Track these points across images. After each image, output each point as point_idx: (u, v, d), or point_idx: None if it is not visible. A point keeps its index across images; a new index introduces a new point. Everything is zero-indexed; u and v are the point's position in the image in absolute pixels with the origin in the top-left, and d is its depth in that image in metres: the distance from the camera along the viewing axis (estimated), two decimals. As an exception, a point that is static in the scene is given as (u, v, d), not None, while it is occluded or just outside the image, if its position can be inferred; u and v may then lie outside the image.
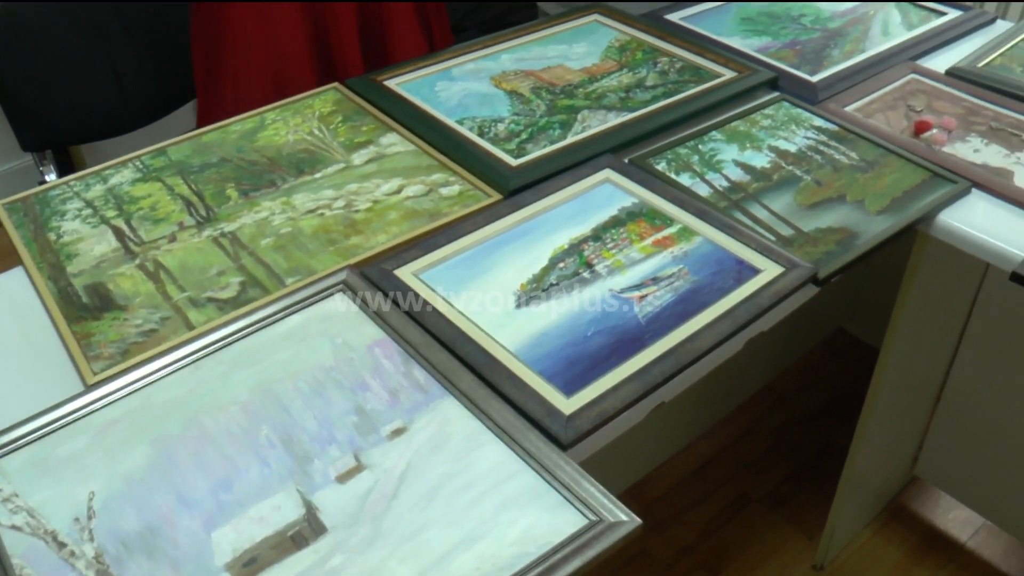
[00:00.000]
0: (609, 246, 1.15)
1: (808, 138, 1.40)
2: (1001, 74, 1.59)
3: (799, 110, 1.46)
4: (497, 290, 1.08)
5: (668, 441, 2.18)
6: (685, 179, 1.29)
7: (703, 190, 1.27)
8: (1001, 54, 1.65)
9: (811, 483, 2.13)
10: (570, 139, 1.35)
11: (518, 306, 1.06)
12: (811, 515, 2.05)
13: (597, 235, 1.17)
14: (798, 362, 2.47)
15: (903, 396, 1.76)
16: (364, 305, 1.07)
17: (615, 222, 1.19)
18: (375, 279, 1.09)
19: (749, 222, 1.21)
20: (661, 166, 1.31)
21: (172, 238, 1.18)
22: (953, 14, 1.80)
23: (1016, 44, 1.69)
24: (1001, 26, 1.80)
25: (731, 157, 1.34)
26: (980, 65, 1.61)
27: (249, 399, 0.96)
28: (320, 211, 1.22)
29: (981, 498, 1.91)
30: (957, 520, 2.05)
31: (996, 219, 1.28)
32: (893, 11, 1.82)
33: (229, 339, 1.03)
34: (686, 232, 1.18)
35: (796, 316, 1.80)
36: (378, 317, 1.05)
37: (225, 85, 1.80)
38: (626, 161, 1.32)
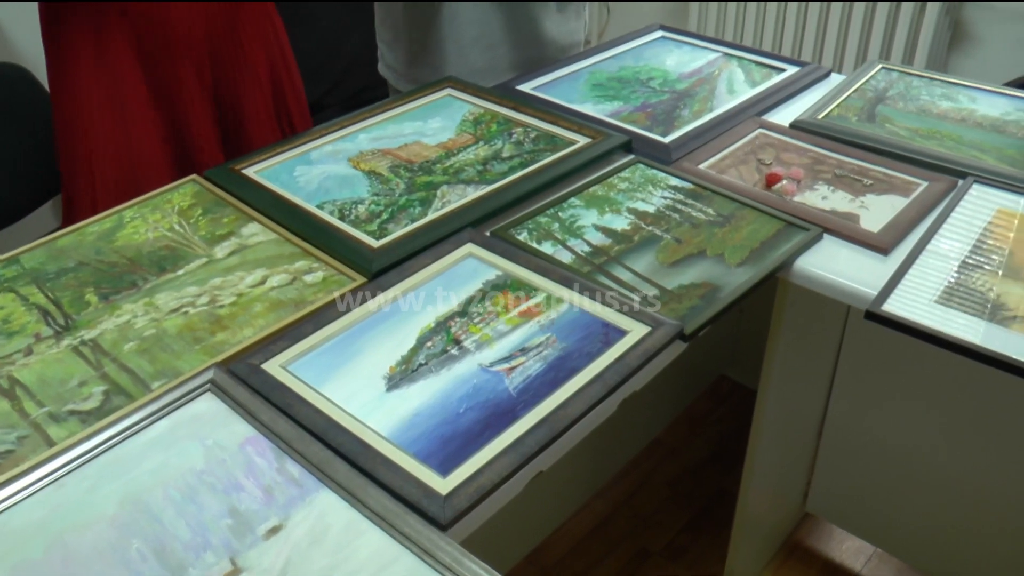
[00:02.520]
0: (476, 321, 1.17)
1: (665, 198, 1.46)
2: (840, 124, 1.69)
3: (654, 171, 1.52)
4: (367, 375, 1.09)
5: (562, 504, 2.20)
6: (547, 247, 1.33)
7: (566, 257, 1.31)
8: (838, 105, 1.76)
9: (708, 531, 2.17)
10: (431, 216, 1.38)
11: (389, 389, 1.07)
12: (710, 562, 2.09)
13: (463, 310, 1.19)
14: (684, 412, 2.53)
15: (785, 436, 1.83)
16: (233, 403, 1.06)
17: (480, 296, 1.22)
18: (243, 375, 1.09)
19: (613, 285, 1.25)
20: (523, 236, 1.35)
21: (28, 351, 1.16)
22: (792, 70, 1.91)
23: (850, 96, 1.80)
24: (835, 79, 1.92)
25: (591, 222, 1.39)
26: (820, 117, 1.71)
27: (118, 513, 0.94)
28: (184, 309, 1.21)
29: (870, 527, 1.98)
30: (850, 550, 2.12)
31: (848, 261, 1.35)
32: (736, 70, 1.92)
33: (94, 452, 1.00)
34: (551, 300, 1.21)
35: (678, 368, 1.85)
36: (248, 414, 1.04)
37: (82, 186, 1.78)
38: (488, 234, 1.36)
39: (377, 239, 1.33)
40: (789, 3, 3.23)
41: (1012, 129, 1.69)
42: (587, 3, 2.15)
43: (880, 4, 3.02)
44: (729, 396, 2.56)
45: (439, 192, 1.45)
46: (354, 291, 1.23)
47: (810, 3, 3.18)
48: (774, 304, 1.54)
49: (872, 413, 1.84)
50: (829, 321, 1.78)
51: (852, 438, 1.90)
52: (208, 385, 1.08)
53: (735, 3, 3.37)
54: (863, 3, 3.06)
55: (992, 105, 1.79)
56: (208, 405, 1.06)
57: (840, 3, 3.11)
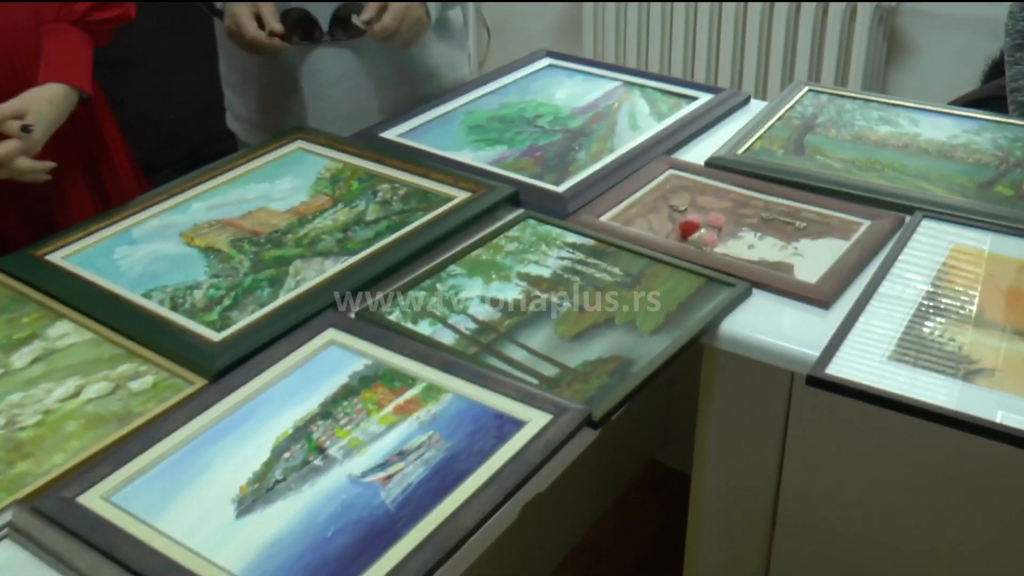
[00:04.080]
0: (342, 422, 1.17)
1: (562, 258, 1.48)
2: (763, 159, 1.74)
3: (548, 227, 1.55)
4: (212, 499, 1.08)
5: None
6: (424, 327, 1.33)
7: (447, 337, 1.31)
8: (760, 136, 1.82)
9: (650, 654, 2.17)
10: (283, 298, 1.38)
11: (240, 515, 1.06)
12: None
13: (327, 411, 1.19)
14: (611, 507, 2.54)
15: (731, 526, 1.84)
16: (40, 550, 1.03)
17: (347, 392, 1.21)
18: (52, 513, 1.06)
19: (505, 367, 1.26)
20: (394, 316, 1.35)
21: None
22: (705, 98, 1.98)
23: (774, 125, 1.87)
24: (757, 106, 1.99)
25: (476, 293, 1.40)
26: (740, 151, 1.76)
27: None
28: (-27, 435, 1.18)
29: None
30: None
31: (783, 319, 1.39)
32: (639, 101, 1.98)
33: None
34: (432, 391, 1.21)
35: (596, 457, 1.85)
36: (61, 562, 1.02)
37: None
38: (352, 316, 1.35)
39: (218, 331, 1.32)
40: (700, 18, 3.33)
41: (961, 154, 1.77)
42: (469, 29, 2.18)
43: (805, 16, 3.14)
44: (663, 484, 2.58)
45: (292, 268, 1.45)
46: (193, 396, 1.22)
47: (724, 13, 3.29)
48: (701, 375, 1.56)
49: (834, 490, 1.87)
50: (771, 388, 1.81)
51: (812, 520, 1.92)
52: (6, 530, 1.05)
53: (637, 25, 3.46)
54: (785, 13, 3.17)
55: (937, 127, 1.87)
56: (6, 555, 1.03)
57: (760, 16, 3.22)
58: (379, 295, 1.40)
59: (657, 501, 2.55)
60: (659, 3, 3.38)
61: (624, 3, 3.46)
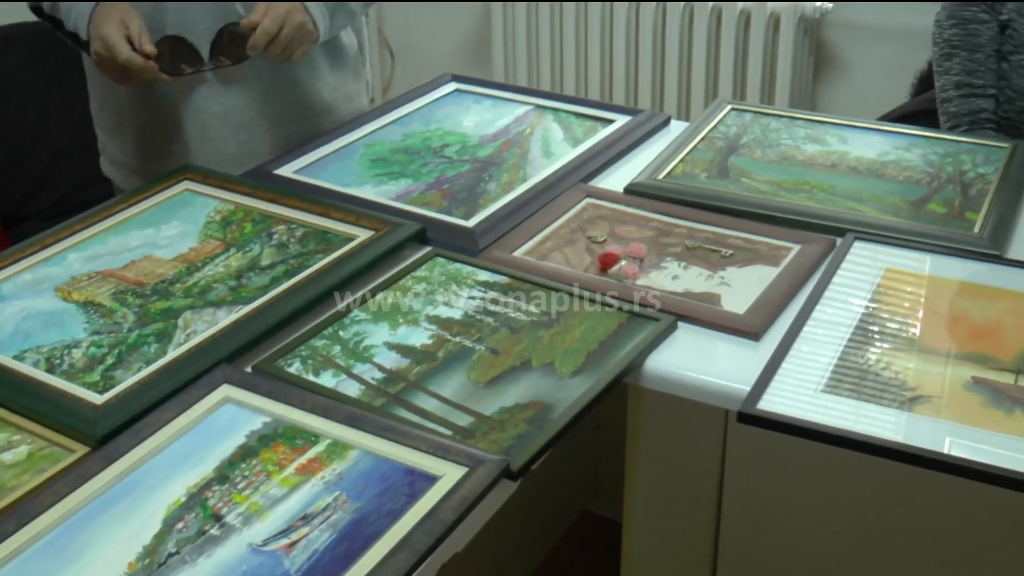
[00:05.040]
0: (241, 486, 1.16)
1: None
2: (685, 183, 1.77)
3: (458, 265, 1.56)
4: (97, 578, 1.06)
5: None
6: (327, 379, 1.33)
7: (352, 389, 1.31)
8: (682, 160, 1.85)
9: None
10: (172, 354, 1.37)
11: (129, 594, 1.04)
12: None
13: (223, 475, 1.18)
14: (542, 565, 2.53)
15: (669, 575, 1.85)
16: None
17: (244, 453, 1.21)
18: (-82, 601, 1.04)
19: (415, 418, 1.26)
20: (294, 368, 1.35)
21: None
22: (622, 120, 2.00)
23: (696, 147, 1.90)
24: (677, 127, 2.02)
25: (382, 340, 1.40)
26: (661, 176, 1.79)
27: None
28: None
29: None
30: None
31: (711, 353, 1.41)
32: (553, 126, 2.00)
33: None
34: (337, 448, 1.21)
35: (521, 510, 1.85)
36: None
37: None
38: (249, 370, 1.35)
39: (101, 393, 1.30)
40: (616, 36, 3.37)
41: (892, 171, 1.82)
42: (367, 57, 2.19)
43: (726, 30, 3.20)
44: (598, 537, 2.58)
45: (181, 321, 1.44)
46: (73, 466, 1.20)
47: (642, 31, 3.33)
48: (627, 417, 1.57)
49: (778, 532, 1.89)
50: (704, 428, 1.83)
51: (755, 566, 1.94)
52: None
53: (550, 46, 3.49)
54: (705, 29, 3.22)
55: (867, 145, 1.91)
56: None
57: (679, 33, 3.27)
58: (277, 346, 1.39)
59: (591, 555, 2.55)
60: (572, 22, 3.41)
61: (536, 23, 3.49)
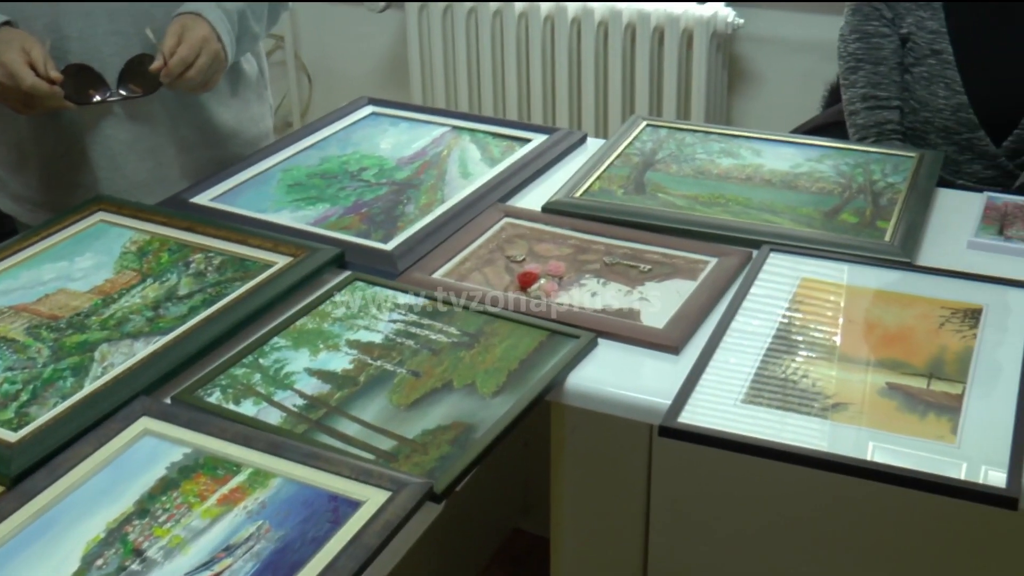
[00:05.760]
0: (162, 520, 1.14)
1: (394, 321, 1.48)
2: (602, 200, 1.79)
3: (377, 288, 1.55)
4: (15, 619, 1.04)
5: None
6: (248, 407, 1.32)
7: (273, 416, 1.31)
8: (599, 177, 1.86)
9: None
10: (88, 387, 1.35)
11: (48, 634, 1.03)
12: None
13: (143, 509, 1.16)
14: (474, 589, 2.53)
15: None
16: None
17: (165, 486, 1.19)
18: None
19: (338, 444, 1.25)
20: (214, 397, 1.34)
21: None
22: (539, 139, 2.01)
23: (612, 163, 1.91)
24: (594, 145, 2.03)
25: (302, 366, 1.40)
26: (578, 194, 1.80)
27: None
28: None
29: None
30: None
31: (632, 368, 1.42)
32: (470, 147, 2.00)
33: None
34: (259, 476, 1.20)
35: (449, 531, 1.84)
36: None
37: None
38: (168, 401, 1.34)
39: (15, 430, 1.28)
40: (533, 56, 3.39)
41: (805, 183, 1.84)
42: (267, 80, 2.18)
43: (640, 46, 3.22)
44: (529, 554, 2.58)
45: (97, 354, 1.42)
46: (-13, 505, 1.18)
47: (558, 50, 3.35)
48: (551, 434, 1.58)
49: (706, 544, 1.90)
50: (628, 443, 1.83)
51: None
52: None
53: (467, 66, 3.50)
54: (620, 46, 3.25)
55: (780, 157, 1.94)
56: None
57: (594, 50, 3.29)
58: (196, 376, 1.38)
59: (523, 573, 2.55)
60: (488, 42, 3.42)
61: (452, 44, 3.49)
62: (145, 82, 1.80)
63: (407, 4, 3.49)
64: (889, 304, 1.52)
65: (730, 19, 3.11)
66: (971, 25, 2.17)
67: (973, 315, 1.47)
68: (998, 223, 1.71)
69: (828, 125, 2.40)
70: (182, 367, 1.40)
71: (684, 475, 1.87)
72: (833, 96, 2.49)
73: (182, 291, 1.55)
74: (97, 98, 1.81)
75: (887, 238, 1.66)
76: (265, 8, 1.98)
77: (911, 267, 1.60)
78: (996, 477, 1.19)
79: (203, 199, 1.82)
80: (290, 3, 2.12)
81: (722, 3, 3.14)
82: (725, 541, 1.89)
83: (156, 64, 1.76)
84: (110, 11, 1.84)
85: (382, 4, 3.50)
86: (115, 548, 1.11)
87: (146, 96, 1.84)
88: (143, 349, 1.42)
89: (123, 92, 1.82)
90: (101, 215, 1.77)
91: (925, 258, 1.64)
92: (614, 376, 1.40)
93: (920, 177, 1.83)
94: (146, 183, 1.94)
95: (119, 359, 1.40)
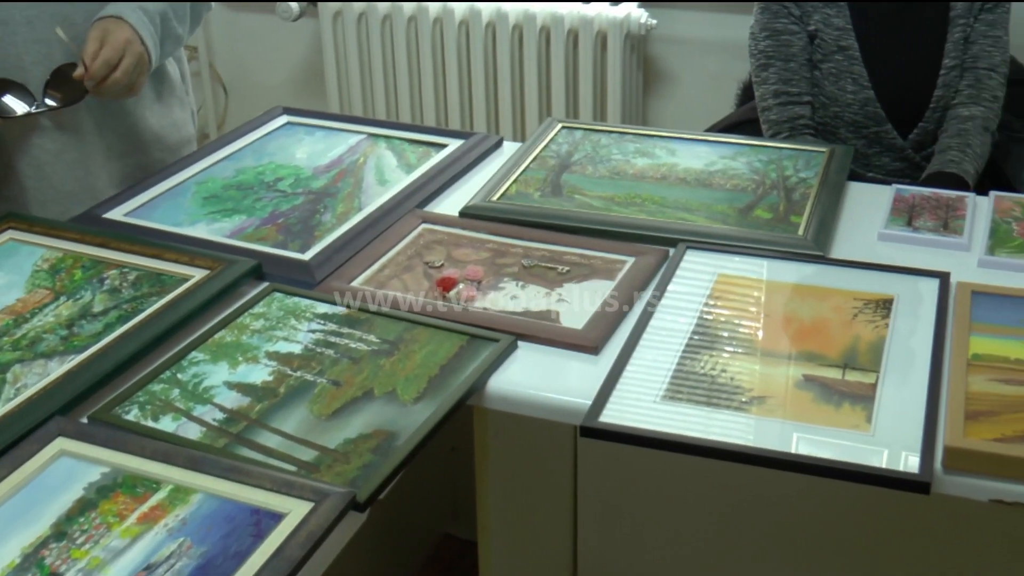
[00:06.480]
0: (79, 542, 1.12)
1: (314, 331, 1.48)
2: (519, 204, 1.79)
3: (296, 299, 1.55)
4: (-69, 649, 1.02)
5: None
6: (167, 424, 1.31)
7: (193, 432, 1.29)
8: (515, 180, 1.87)
9: None
10: (1, 410, 1.33)
11: (-34, 662, 1.00)
12: None
13: (61, 532, 1.14)
14: (404, 596, 2.52)
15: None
16: None
17: (83, 507, 1.17)
18: None
19: (259, 456, 1.24)
20: (132, 415, 1.32)
21: None
22: (455, 144, 2.01)
23: (529, 166, 1.92)
24: (511, 148, 2.03)
25: (221, 380, 1.39)
26: (495, 198, 1.80)
27: None
28: None
29: None
30: None
31: (552, 370, 1.42)
32: (386, 154, 2.00)
33: None
34: (180, 493, 1.18)
35: (377, 539, 1.83)
36: None
37: None
38: (84, 420, 1.32)
39: (-73, 455, 1.25)
40: (448, 61, 3.38)
41: (719, 180, 1.86)
42: (189, 86, 2.16)
43: (556, 49, 3.23)
44: (460, 559, 2.58)
45: (10, 375, 1.40)
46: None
47: (473, 55, 3.35)
48: (475, 439, 1.58)
49: (635, 543, 1.91)
50: (553, 445, 1.83)
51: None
52: None
53: (383, 73, 3.48)
54: (536, 49, 3.25)
55: (694, 156, 1.96)
56: None
57: (509, 54, 3.29)
58: (113, 394, 1.36)
59: (454, 578, 2.55)
60: (404, 48, 3.41)
61: (368, 51, 3.48)
62: (71, 91, 1.78)
63: (321, 12, 3.47)
64: (804, 297, 1.54)
65: (643, 20, 3.12)
66: (875, 22, 2.22)
67: (885, 305, 1.50)
68: (906, 214, 1.74)
69: (742, 122, 2.43)
70: (98, 385, 1.38)
71: (610, 474, 1.88)
72: (746, 94, 2.53)
73: (97, 308, 1.53)
74: (23, 111, 1.78)
75: (800, 232, 1.68)
76: (187, 9, 1.96)
77: (824, 260, 1.63)
78: (910, 463, 1.22)
79: (117, 214, 1.80)
80: (212, 4, 2.09)
81: (635, 4, 3.16)
82: (654, 538, 1.90)
83: (79, 71, 1.74)
84: (29, 19, 1.82)
85: (295, 11, 3.48)
86: (31, 573, 1.09)
87: (73, 105, 1.82)
88: (57, 368, 1.40)
89: (49, 102, 1.80)
90: (11, 233, 1.74)
91: (838, 251, 1.67)
92: (535, 378, 1.41)
93: (831, 171, 1.86)
94: (74, 192, 1.92)
95: (33, 380, 1.38)
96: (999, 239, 1.66)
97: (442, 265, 1.63)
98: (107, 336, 1.46)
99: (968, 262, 1.63)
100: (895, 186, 1.84)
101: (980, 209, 1.77)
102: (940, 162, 2.15)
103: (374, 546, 2.03)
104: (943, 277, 1.55)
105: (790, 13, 2.23)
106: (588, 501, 1.92)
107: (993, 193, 1.81)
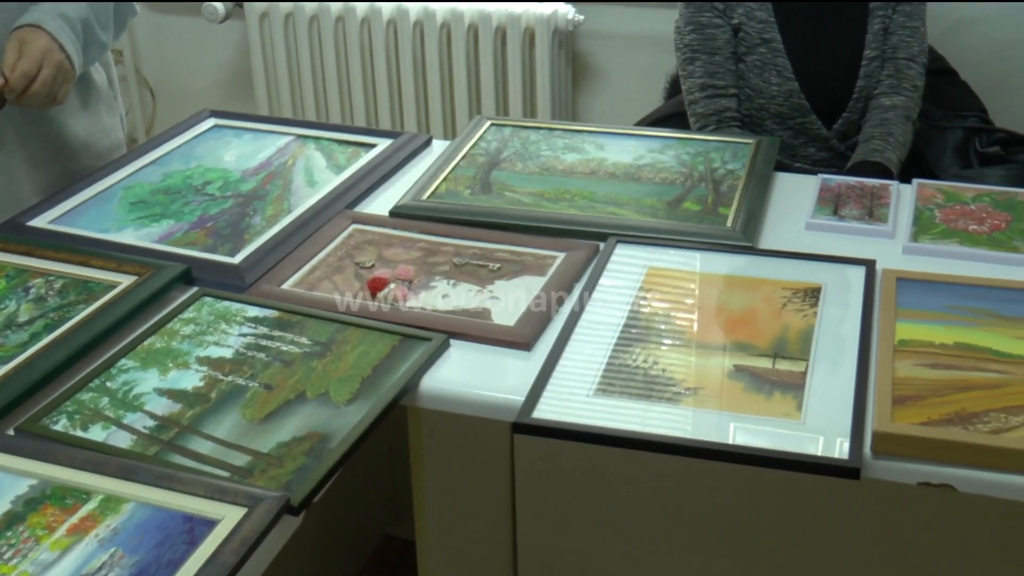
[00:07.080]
0: (7, 556, 1.11)
1: (245, 335, 1.47)
2: (449, 202, 1.79)
3: (226, 303, 1.53)
4: None
5: None
6: (97, 433, 1.29)
7: (123, 440, 1.28)
8: (445, 179, 1.87)
9: None
10: (-74, 424, 1.30)
11: None
12: None
13: (-12, 546, 1.13)
14: (347, 599, 2.51)
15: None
16: None
17: (10, 520, 1.16)
18: None
19: (191, 463, 1.23)
20: (61, 425, 1.31)
21: None
22: (384, 143, 2.01)
23: (458, 165, 1.91)
24: (438, 147, 2.03)
25: (152, 386, 1.37)
26: (425, 197, 1.80)
27: None
28: None
29: None
30: None
31: (485, 367, 1.42)
32: (315, 155, 1.99)
33: None
34: (111, 502, 1.17)
35: (324, 540, 1.82)
36: None
37: None
38: (11, 432, 1.30)
39: None
40: (377, 61, 3.37)
41: (648, 174, 1.87)
42: (118, 91, 2.13)
43: (484, 47, 3.23)
44: (401, 560, 2.57)
45: (-66, 388, 1.37)
46: None
47: (402, 54, 3.34)
48: (409, 439, 1.57)
49: (575, 540, 1.91)
50: (488, 443, 1.83)
51: (557, 573, 1.95)
52: None
53: (312, 75, 3.46)
54: (463, 47, 3.25)
55: (623, 150, 1.96)
56: None
57: (437, 53, 3.29)
58: (41, 405, 1.34)
59: (395, 579, 2.54)
60: (332, 49, 3.40)
61: (296, 52, 3.46)
62: None
63: (247, 13, 3.44)
64: (733, 288, 1.55)
65: (570, 16, 3.13)
66: (798, 15, 2.24)
67: (813, 294, 1.51)
68: (832, 204, 1.75)
69: (670, 116, 2.45)
70: (25, 396, 1.36)
71: (547, 471, 1.88)
72: (674, 88, 2.54)
73: (22, 318, 1.51)
74: None
75: (729, 224, 1.69)
76: (111, 14, 1.93)
77: (753, 251, 1.64)
78: (839, 449, 1.23)
79: (41, 222, 1.77)
80: (137, 7, 2.06)
81: (561, 1, 3.16)
82: (593, 534, 1.91)
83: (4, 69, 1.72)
84: None
85: (221, 13, 3.44)
86: (-40, 588, 1.08)
87: None
88: (-17, 381, 1.38)
89: None
90: (-70, 247, 1.71)
91: (766, 241, 1.68)
92: (468, 376, 1.41)
93: (758, 163, 1.87)
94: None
95: (-44, 392, 1.36)
96: (922, 226, 1.69)
97: (373, 265, 1.62)
98: (33, 346, 1.44)
99: (893, 249, 1.65)
100: (821, 176, 1.86)
101: (903, 197, 1.79)
102: (864, 151, 2.18)
103: (314, 549, 2.01)
104: (869, 265, 1.57)
105: (714, 7, 2.24)
106: (526, 498, 1.92)
107: (916, 181, 1.83)
